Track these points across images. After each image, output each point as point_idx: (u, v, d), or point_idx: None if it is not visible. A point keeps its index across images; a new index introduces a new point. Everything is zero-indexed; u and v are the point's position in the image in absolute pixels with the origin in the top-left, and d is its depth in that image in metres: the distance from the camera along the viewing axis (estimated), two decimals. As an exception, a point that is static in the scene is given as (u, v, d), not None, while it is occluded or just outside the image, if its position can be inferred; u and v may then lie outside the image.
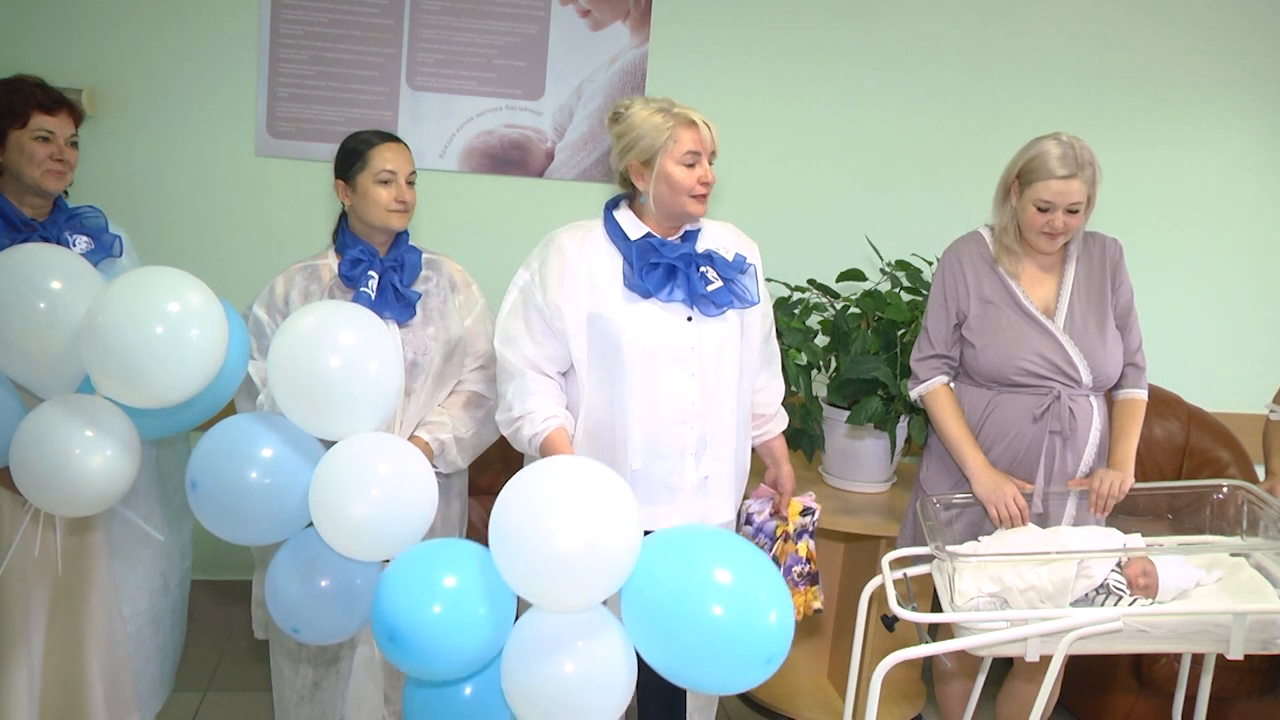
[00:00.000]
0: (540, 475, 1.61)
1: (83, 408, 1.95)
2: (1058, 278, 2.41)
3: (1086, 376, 2.34)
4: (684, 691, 2.31)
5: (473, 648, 1.66)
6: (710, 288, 2.13)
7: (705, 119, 2.11)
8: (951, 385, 2.46)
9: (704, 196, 2.11)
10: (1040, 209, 2.30)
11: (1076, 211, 2.29)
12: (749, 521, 2.34)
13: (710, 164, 2.12)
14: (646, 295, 2.11)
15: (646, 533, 2.10)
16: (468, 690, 1.74)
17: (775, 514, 2.37)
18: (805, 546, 2.38)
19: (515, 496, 1.59)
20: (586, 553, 1.54)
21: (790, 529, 2.38)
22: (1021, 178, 2.33)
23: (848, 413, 2.99)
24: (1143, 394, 2.42)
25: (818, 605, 2.39)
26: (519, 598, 1.65)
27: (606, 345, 2.11)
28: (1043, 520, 2.36)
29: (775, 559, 2.35)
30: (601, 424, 2.13)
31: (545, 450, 2.06)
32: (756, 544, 2.34)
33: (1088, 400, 2.37)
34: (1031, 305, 2.37)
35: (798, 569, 2.37)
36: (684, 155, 2.08)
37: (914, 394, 2.49)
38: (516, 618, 1.69)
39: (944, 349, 2.45)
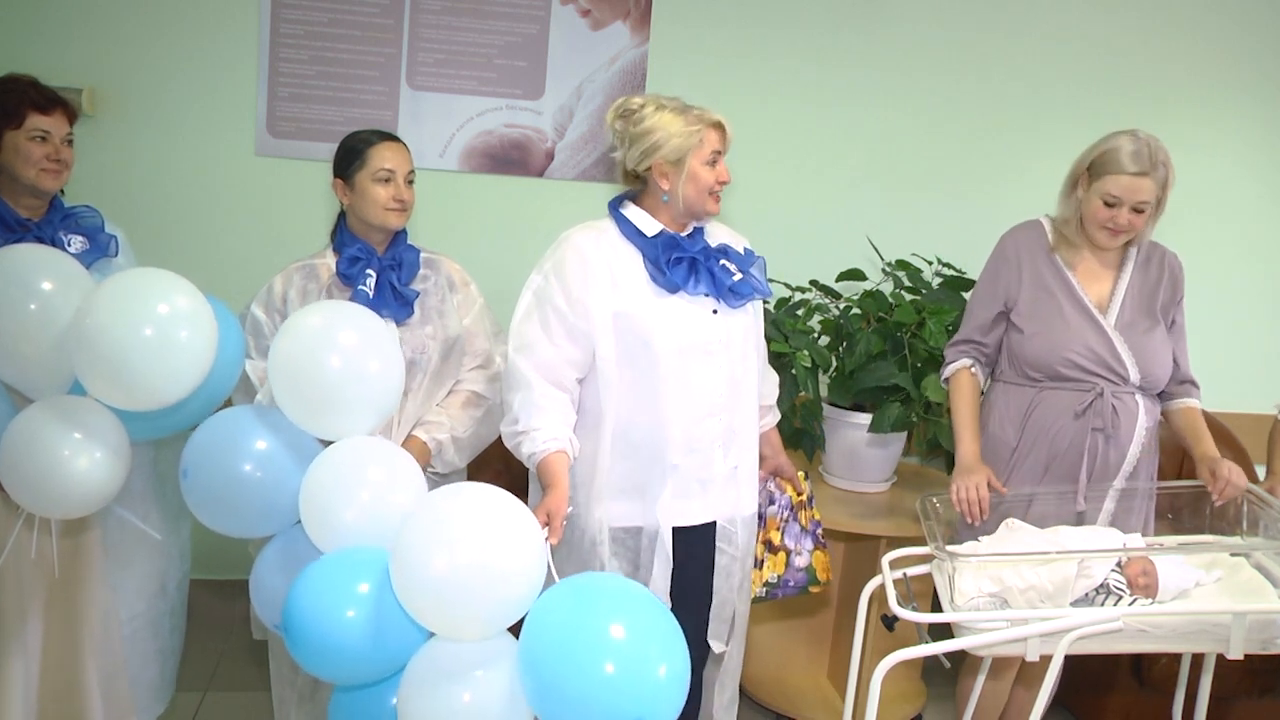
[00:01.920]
0: (435, 501, 1.64)
1: (70, 409, 1.95)
2: (1114, 276, 2.41)
3: (1134, 374, 2.34)
4: (697, 699, 2.33)
5: (366, 655, 1.68)
6: (734, 279, 2.15)
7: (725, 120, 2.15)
8: (975, 370, 2.47)
9: (718, 195, 2.15)
10: (1107, 203, 2.29)
11: (1142, 211, 2.29)
12: (773, 501, 2.40)
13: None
14: (674, 290, 2.11)
15: (682, 528, 2.15)
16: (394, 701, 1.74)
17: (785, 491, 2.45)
18: (817, 511, 2.48)
19: (411, 519, 1.63)
20: (461, 579, 1.56)
21: (804, 498, 2.46)
22: (1092, 170, 2.31)
23: (849, 412, 2.99)
24: (1199, 404, 2.44)
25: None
26: None
27: (635, 343, 2.10)
28: (1083, 519, 2.35)
29: (801, 526, 2.43)
30: (631, 422, 2.12)
31: (541, 471, 2.05)
32: (782, 519, 2.41)
33: (1134, 398, 2.36)
34: (1086, 298, 2.37)
35: (819, 530, 2.46)
36: (709, 155, 2.11)
37: (943, 378, 2.52)
38: None
39: (979, 335, 2.46)
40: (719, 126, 2.13)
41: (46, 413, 1.94)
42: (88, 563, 2.29)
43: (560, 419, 2.08)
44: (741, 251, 2.21)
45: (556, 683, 1.54)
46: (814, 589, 2.45)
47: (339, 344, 1.85)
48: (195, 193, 3.22)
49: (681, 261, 2.11)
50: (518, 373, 2.09)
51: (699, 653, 2.24)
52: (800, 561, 2.40)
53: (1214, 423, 3.21)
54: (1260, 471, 2.78)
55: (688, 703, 2.29)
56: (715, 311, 2.15)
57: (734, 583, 2.25)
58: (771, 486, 2.41)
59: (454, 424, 2.29)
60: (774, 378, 2.47)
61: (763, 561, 2.38)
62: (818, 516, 2.47)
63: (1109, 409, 2.33)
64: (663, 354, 2.09)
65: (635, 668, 1.52)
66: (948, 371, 2.50)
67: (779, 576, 2.38)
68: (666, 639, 1.58)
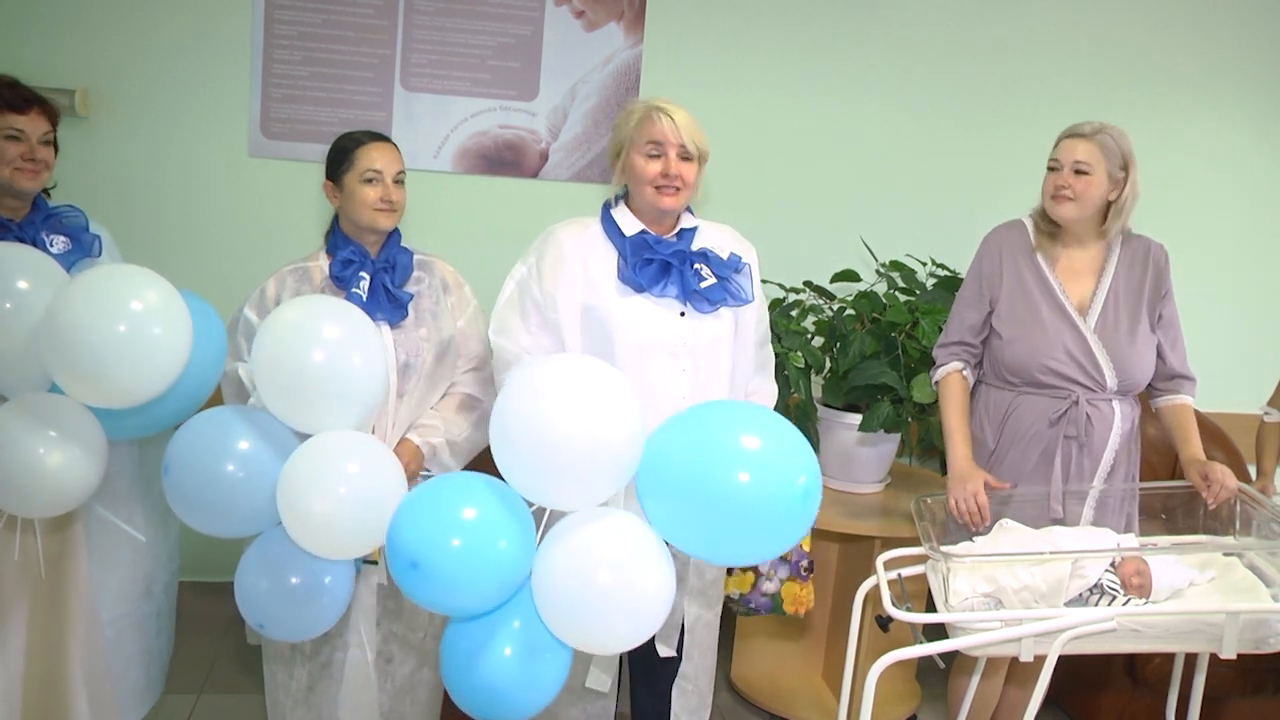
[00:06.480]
0: (541, 366, 1.67)
1: (44, 407, 1.94)
2: (1097, 275, 2.41)
3: (1112, 380, 2.34)
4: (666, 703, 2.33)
5: (493, 580, 1.67)
6: (703, 284, 2.14)
7: (673, 112, 2.10)
8: (966, 373, 2.46)
9: (668, 190, 2.11)
10: (1050, 168, 2.35)
11: (1085, 174, 2.30)
12: None
13: (693, 161, 2.11)
14: (640, 289, 2.13)
15: None
16: (516, 623, 1.72)
17: None
18: (808, 540, 2.44)
19: (516, 386, 1.64)
20: (583, 436, 1.57)
21: None
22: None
23: (843, 413, 2.99)
24: (1192, 400, 2.43)
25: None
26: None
27: (599, 338, 2.12)
28: (1061, 522, 2.35)
29: (783, 555, 2.38)
30: None
31: None
32: None
33: (1110, 404, 2.36)
34: (1067, 301, 2.37)
35: (804, 563, 2.43)
36: (645, 146, 2.11)
37: (933, 381, 2.52)
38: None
39: (969, 336, 2.46)
40: (654, 118, 2.09)
41: (19, 410, 1.93)
42: (72, 563, 2.27)
43: None
44: (725, 257, 2.19)
45: (692, 511, 1.61)
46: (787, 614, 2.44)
47: (321, 338, 1.84)
48: (189, 194, 3.21)
49: (652, 263, 2.13)
50: (504, 352, 2.16)
51: (654, 658, 2.23)
52: (768, 587, 2.39)
53: (1208, 423, 3.22)
54: (1253, 471, 2.79)
55: (658, 705, 2.29)
56: (683, 314, 2.15)
57: (684, 587, 2.22)
58: None
59: (449, 427, 2.28)
60: (771, 390, 2.37)
61: (731, 571, 2.37)
62: (806, 548, 2.42)
63: (1083, 417, 2.33)
64: (622, 350, 2.10)
65: (773, 477, 1.59)
66: (938, 374, 2.49)
67: (741, 594, 2.38)
68: (801, 450, 1.64)
